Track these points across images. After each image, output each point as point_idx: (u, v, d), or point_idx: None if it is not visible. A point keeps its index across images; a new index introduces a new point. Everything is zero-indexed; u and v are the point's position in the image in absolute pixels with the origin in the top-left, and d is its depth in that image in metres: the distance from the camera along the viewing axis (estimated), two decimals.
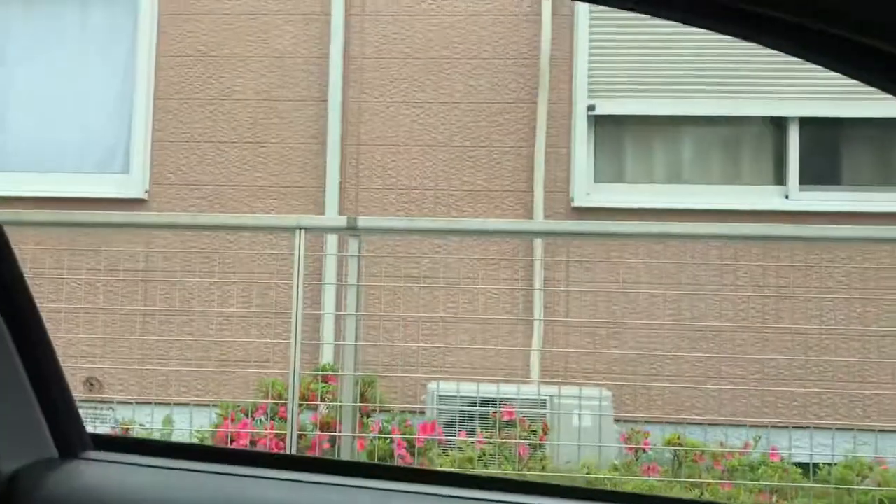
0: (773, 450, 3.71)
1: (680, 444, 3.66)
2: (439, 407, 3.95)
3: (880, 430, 3.76)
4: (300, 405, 3.34)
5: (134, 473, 1.01)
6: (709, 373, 4.54)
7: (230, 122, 5.09)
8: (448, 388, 3.98)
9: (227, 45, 5.13)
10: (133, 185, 5.04)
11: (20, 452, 0.97)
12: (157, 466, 1.02)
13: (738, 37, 0.52)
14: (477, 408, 3.85)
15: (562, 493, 0.97)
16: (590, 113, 4.94)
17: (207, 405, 4.00)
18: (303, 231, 3.29)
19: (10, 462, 0.95)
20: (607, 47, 4.98)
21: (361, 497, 0.96)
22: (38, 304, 1.01)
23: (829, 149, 4.97)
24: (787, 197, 4.83)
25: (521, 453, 3.57)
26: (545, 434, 3.67)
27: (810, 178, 4.86)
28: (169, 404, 4.14)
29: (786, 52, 0.53)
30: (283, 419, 3.43)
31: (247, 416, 3.62)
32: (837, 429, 3.72)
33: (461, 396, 3.90)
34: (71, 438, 1.03)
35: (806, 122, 4.87)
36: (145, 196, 5.01)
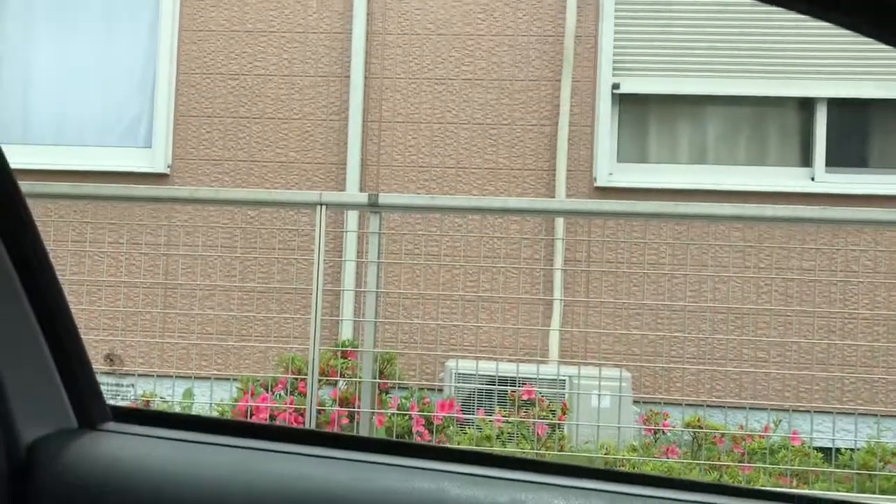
0: (793, 433, 3.68)
1: (700, 427, 3.64)
2: (458, 384, 3.95)
3: None
4: (319, 380, 3.35)
5: (153, 446, 1.01)
6: (730, 355, 4.50)
7: (252, 98, 5.08)
8: (467, 366, 3.98)
9: (248, 20, 5.11)
10: (156, 159, 5.05)
11: (40, 422, 0.97)
12: (177, 439, 1.02)
13: (808, 14, 0.49)
14: (495, 386, 3.85)
15: (576, 472, 0.96)
16: (614, 91, 4.88)
17: (227, 379, 4.03)
18: (324, 207, 3.28)
19: (30, 431, 0.95)
20: (633, 25, 4.91)
21: (381, 474, 0.95)
22: (59, 277, 1.01)
23: (856, 131, 4.88)
24: (812, 179, 4.76)
25: (539, 433, 3.57)
26: (564, 414, 3.66)
27: (837, 160, 4.78)
28: (189, 378, 4.17)
29: (858, 31, 0.50)
30: (303, 394, 3.45)
31: (266, 390, 3.64)
32: (860, 414, 3.68)
33: (480, 375, 3.90)
34: (90, 409, 1.03)
35: (833, 104, 4.79)
36: (167, 171, 5.03)
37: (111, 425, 1.06)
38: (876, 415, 3.71)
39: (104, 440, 1.02)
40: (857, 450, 3.53)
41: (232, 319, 4.55)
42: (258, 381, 3.76)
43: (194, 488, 0.95)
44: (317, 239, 3.26)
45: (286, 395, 3.56)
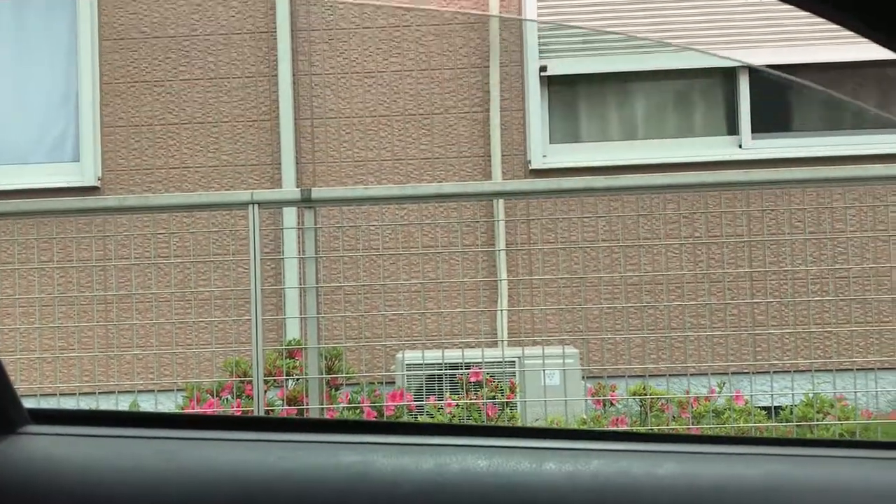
0: (737, 394, 3.78)
1: (645, 394, 3.71)
2: (408, 373, 3.97)
3: (837, 370, 3.85)
4: (266, 382, 3.33)
5: (76, 444, 1.00)
6: (672, 324, 4.60)
7: (180, 103, 5.01)
8: (417, 356, 4.00)
9: (170, 25, 5.04)
10: (85, 172, 4.95)
11: None
12: (100, 436, 1.01)
13: None
14: (447, 373, 3.87)
15: (498, 432, 0.98)
16: (542, 74, 4.93)
17: (172, 389, 3.98)
18: (256, 206, 3.26)
19: None
20: (556, 7, 4.96)
21: (307, 451, 0.96)
22: None
23: (778, 97, 5.02)
24: (740, 146, 4.88)
25: (490, 413, 3.61)
26: (512, 392, 3.70)
27: (762, 126, 4.91)
28: (133, 392, 4.11)
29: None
30: (250, 397, 3.43)
31: (213, 396, 3.60)
32: (797, 371, 3.80)
33: (430, 364, 3.92)
34: (7, 414, 1.01)
35: (755, 71, 4.91)
36: (98, 183, 4.93)
37: (31, 428, 1.04)
38: (810, 370, 3.83)
39: (24, 443, 1.01)
40: (796, 405, 3.64)
41: (173, 328, 4.49)
42: (204, 387, 3.72)
43: (122, 483, 0.94)
44: (251, 238, 3.24)
45: (233, 399, 3.53)
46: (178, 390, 3.95)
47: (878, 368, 3.89)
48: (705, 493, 0.86)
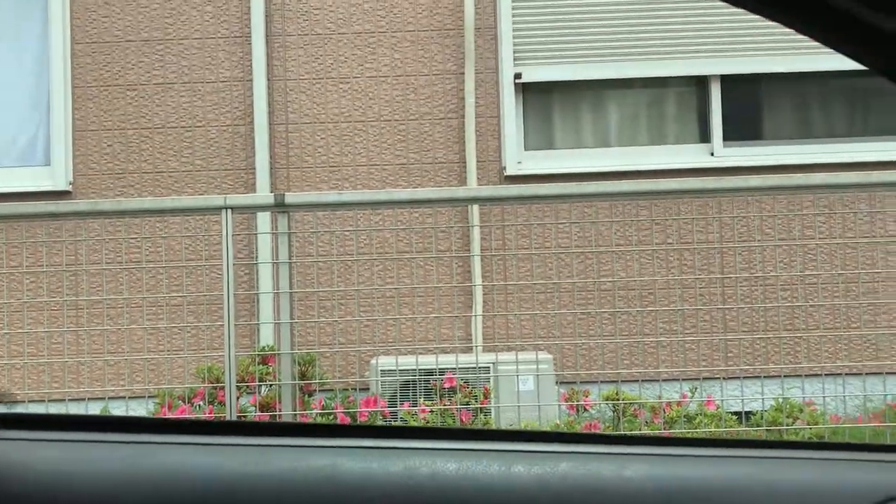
0: (708, 399, 3.81)
1: (618, 399, 3.73)
2: (382, 379, 3.96)
3: (806, 375, 3.90)
4: (239, 388, 3.31)
5: (40, 449, 0.99)
6: (645, 329, 4.63)
7: (153, 107, 4.97)
8: (391, 362, 3.99)
9: (143, 29, 5.00)
10: (56, 177, 4.90)
11: None
12: (65, 440, 1.00)
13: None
14: (421, 379, 3.87)
15: (466, 435, 0.98)
16: (517, 81, 4.96)
17: (143, 396, 3.94)
18: (230, 211, 3.24)
19: None
20: (531, 14, 4.99)
21: (274, 456, 0.95)
22: None
23: (750, 105, 5.08)
24: (712, 154, 4.93)
25: (464, 419, 3.61)
26: (486, 398, 3.71)
27: (733, 134, 4.97)
28: (104, 398, 4.06)
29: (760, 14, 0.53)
30: (223, 403, 3.40)
31: (184, 402, 3.57)
32: (767, 376, 3.84)
33: (405, 370, 3.92)
34: None
35: (727, 80, 4.97)
36: (69, 188, 4.88)
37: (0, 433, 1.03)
38: (779, 375, 3.87)
39: None
40: (766, 410, 3.68)
41: (146, 334, 4.45)
42: (176, 394, 3.69)
43: (90, 486, 0.93)
44: (224, 243, 3.22)
45: (205, 405, 3.50)
46: (149, 397, 3.91)
47: (846, 374, 3.94)
48: (673, 495, 0.87)
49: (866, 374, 3.74)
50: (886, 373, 3.80)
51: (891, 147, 4.90)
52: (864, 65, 0.52)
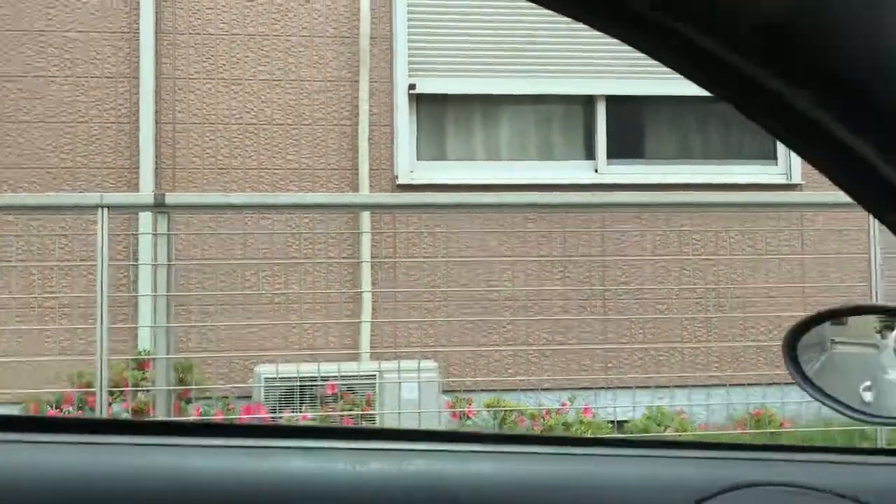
0: (585, 407, 3.94)
1: (500, 407, 3.81)
2: (266, 386, 3.90)
3: (675, 386, 4.07)
4: (111, 393, 3.19)
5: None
6: (530, 339, 4.74)
7: (33, 101, 4.76)
8: (275, 369, 3.94)
9: (25, 19, 4.78)
10: None
11: None
12: (13, 441, 0.96)
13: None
14: (306, 386, 3.83)
15: (392, 436, 0.99)
16: (411, 92, 5.00)
17: (8, 402, 3.76)
18: (106, 209, 3.14)
19: None
20: (426, 26, 5.05)
21: (198, 457, 0.94)
22: None
23: (633, 125, 5.29)
24: (596, 171, 5.10)
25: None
26: (368, 405, 3.71)
27: (617, 152, 5.15)
28: None
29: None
30: (93, 408, 3.27)
31: (52, 407, 3.43)
32: (639, 386, 3.99)
33: (289, 377, 3.87)
34: None
35: (612, 100, 5.16)
36: None
37: None
38: (650, 386, 4.04)
39: None
40: (637, 418, 3.83)
41: (14, 337, 4.24)
42: (43, 399, 3.53)
43: (35, 490, 0.90)
44: (99, 243, 3.11)
45: (74, 410, 3.37)
46: (14, 403, 3.72)
47: (712, 385, 4.13)
48: (515, 492, 0.91)
49: (729, 385, 3.93)
50: (748, 384, 4.01)
51: (763, 170, 5.20)
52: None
